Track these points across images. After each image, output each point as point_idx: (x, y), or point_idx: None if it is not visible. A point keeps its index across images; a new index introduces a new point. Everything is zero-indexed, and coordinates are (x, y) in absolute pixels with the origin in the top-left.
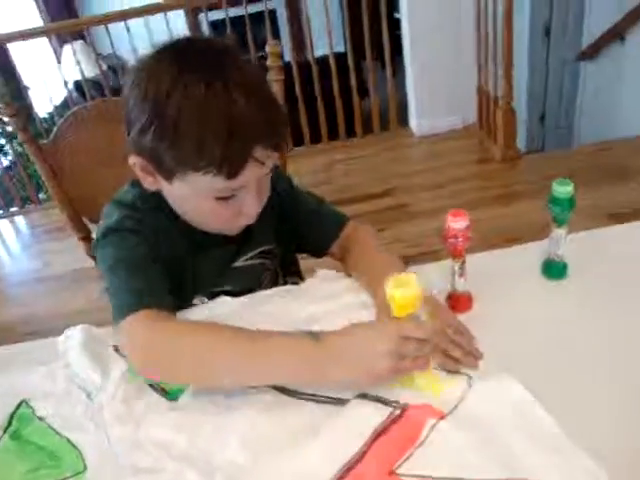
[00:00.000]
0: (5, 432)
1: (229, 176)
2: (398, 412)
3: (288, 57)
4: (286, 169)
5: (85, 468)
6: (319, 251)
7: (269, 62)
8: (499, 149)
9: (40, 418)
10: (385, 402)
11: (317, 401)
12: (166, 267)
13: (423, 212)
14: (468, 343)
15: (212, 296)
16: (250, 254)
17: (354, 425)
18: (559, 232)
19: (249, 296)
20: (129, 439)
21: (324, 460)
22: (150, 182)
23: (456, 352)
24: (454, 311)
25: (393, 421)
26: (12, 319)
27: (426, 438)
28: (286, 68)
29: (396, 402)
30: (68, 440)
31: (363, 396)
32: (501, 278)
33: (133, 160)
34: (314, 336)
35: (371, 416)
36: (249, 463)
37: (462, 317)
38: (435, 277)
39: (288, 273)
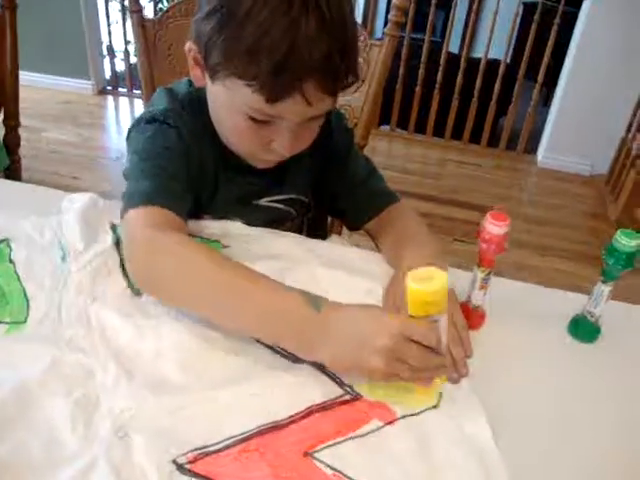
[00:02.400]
0: None
1: (269, 99)
2: (347, 398)
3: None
4: (367, 141)
5: (25, 321)
6: (353, 224)
7: (390, 14)
8: (617, 211)
9: (11, 261)
10: (339, 383)
11: (275, 351)
12: (191, 177)
13: (512, 241)
14: (461, 354)
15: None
16: (278, 197)
17: (296, 391)
18: (602, 288)
19: (264, 229)
20: (78, 310)
21: (247, 411)
22: (197, 75)
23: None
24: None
25: (337, 404)
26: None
27: (363, 436)
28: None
29: (350, 387)
30: (24, 290)
31: (321, 367)
32: (522, 312)
33: (189, 46)
34: (316, 304)
35: (317, 389)
36: (180, 380)
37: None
38: (452, 281)
39: (312, 231)
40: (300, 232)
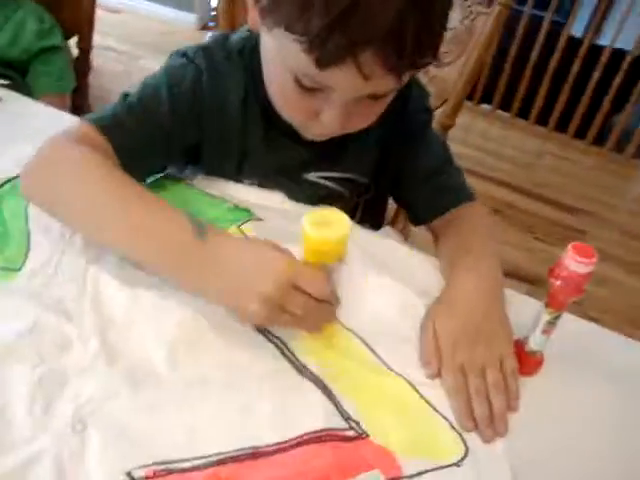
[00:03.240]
0: None
1: (318, 63)
2: (350, 434)
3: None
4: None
5: (19, 269)
6: (416, 219)
7: None
8: None
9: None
10: (346, 417)
11: (281, 352)
12: (219, 137)
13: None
14: (502, 407)
15: None
16: (329, 173)
17: (291, 413)
18: None
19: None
20: (76, 269)
21: (228, 428)
22: (253, 18)
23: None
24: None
25: (337, 438)
26: None
27: None
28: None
29: (357, 423)
30: (29, 233)
31: (327, 391)
32: (589, 360)
33: None
34: (201, 232)
35: (317, 415)
36: (163, 374)
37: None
38: (513, 312)
39: (367, 217)
40: (352, 216)
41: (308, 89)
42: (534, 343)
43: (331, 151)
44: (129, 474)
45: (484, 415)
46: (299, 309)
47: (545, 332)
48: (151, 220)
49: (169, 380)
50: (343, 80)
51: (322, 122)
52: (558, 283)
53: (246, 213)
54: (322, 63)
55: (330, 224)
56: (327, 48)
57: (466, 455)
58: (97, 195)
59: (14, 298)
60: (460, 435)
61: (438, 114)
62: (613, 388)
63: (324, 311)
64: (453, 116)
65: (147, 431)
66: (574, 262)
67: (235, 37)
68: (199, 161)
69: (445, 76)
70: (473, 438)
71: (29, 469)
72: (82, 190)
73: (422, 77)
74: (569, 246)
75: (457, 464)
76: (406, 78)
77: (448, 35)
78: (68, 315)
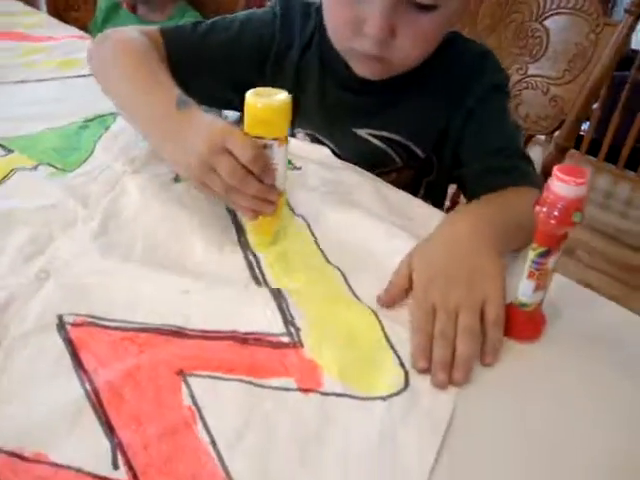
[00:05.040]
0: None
1: None
2: (285, 340)
3: None
4: None
5: (71, 172)
6: (471, 196)
7: None
8: None
9: (107, 128)
10: (288, 321)
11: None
12: (277, 82)
13: None
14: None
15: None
16: (380, 132)
17: (230, 307)
18: None
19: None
20: (112, 174)
21: (167, 306)
22: None
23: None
24: (508, 334)
25: (267, 342)
26: None
27: (256, 386)
28: None
29: (296, 330)
30: (93, 150)
31: (279, 297)
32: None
33: None
34: (181, 104)
35: (257, 317)
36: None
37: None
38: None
39: (429, 199)
40: (414, 194)
41: None
42: (522, 293)
43: (383, 108)
44: (60, 317)
45: (441, 358)
46: (226, 173)
47: (531, 276)
48: (149, 95)
49: (135, 259)
50: None
51: (366, 33)
52: (543, 210)
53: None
54: None
55: (272, 97)
56: None
57: (398, 393)
58: (126, 70)
59: (52, 186)
60: (406, 374)
61: (555, 136)
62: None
63: (251, 184)
64: (571, 136)
65: (95, 289)
66: (559, 183)
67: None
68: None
69: (565, 95)
70: (420, 381)
71: None
72: (117, 66)
73: (541, 96)
74: (555, 168)
75: (383, 398)
76: None
77: (573, 50)
78: (85, 203)
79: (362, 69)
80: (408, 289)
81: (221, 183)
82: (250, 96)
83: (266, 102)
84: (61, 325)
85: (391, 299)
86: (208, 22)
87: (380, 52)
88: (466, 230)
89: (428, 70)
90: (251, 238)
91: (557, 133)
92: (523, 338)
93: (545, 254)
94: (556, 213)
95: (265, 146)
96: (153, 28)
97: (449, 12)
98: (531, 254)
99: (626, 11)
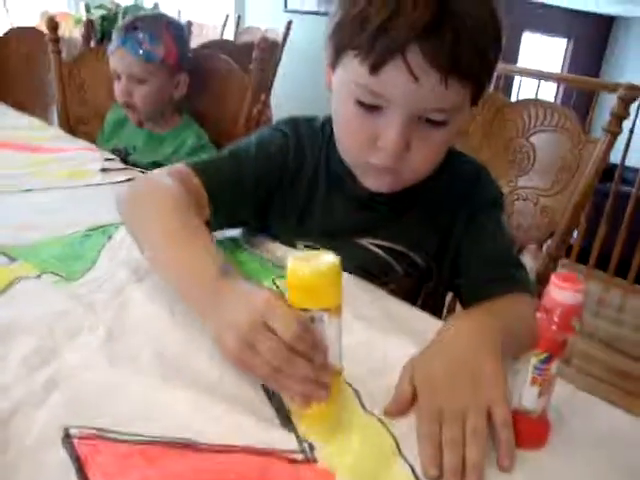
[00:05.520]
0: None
1: (372, 67)
2: (298, 457)
3: None
4: None
5: (76, 281)
6: (466, 304)
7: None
8: None
9: (109, 237)
10: (300, 438)
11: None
12: (289, 197)
13: None
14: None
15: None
16: (382, 242)
17: (246, 423)
18: None
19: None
20: (118, 283)
21: (178, 419)
22: (329, 81)
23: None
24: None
25: (281, 458)
26: None
27: None
28: None
29: (310, 446)
30: (97, 259)
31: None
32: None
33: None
34: (225, 272)
35: (271, 434)
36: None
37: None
38: None
39: (427, 308)
40: (414, 303)
41: (368, 108)
42: (526, 399)
43: (387, 221)
44: (66, 430)
45: (452, 465)
46: (268, 352)
47: (534, 382)
48: (190, 259)
49: (143, 369)
50: (396, 82)
51: (381, 147)
52: (544, 317)
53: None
54: (375, 66)
55: (319, 260)
56: (377, 50)
57: None
58: (157, 224)
59: (56, 294)
60: None
61: (547, 245)
62: None
63: (298, 365)
64: (562, 245)
65: (103, 401)
66: (557, 290)
67: (321, 117)
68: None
69: (555, 205)
70: None
71: None
72: (148, 217)
73: (532, 207)
74: (552, 276)
75: None
76: (459, 98)
77: (559, 164)
78: (91, 311)
79: (374, 183)
80: (414, 398)
81: (263, 364)
82: (294, 261)
83: (313, 267)
84: (67, 439)
85: (398, 410)
86: (225, 152)
87: (395, 164)
88: (466, 332)
89: (431, 184)
90: (303, 427)
91: (549, 242)
92: (529, 446)
93: (547, 360)
94: (556, 319)
95: (313, 319)
96: (180, 166)
97: (456, 127)
98: (533, 360)
99: (604, 130)
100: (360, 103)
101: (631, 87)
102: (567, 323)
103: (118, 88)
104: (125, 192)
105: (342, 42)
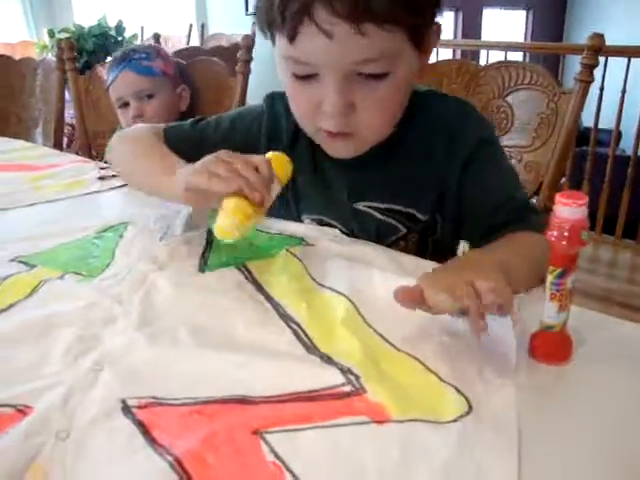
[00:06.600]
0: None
1: (289, 37)
2: (347, 389)
3: None
4: None
5: (96, 277)
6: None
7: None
8: None
9: (121, 236)
10: (346, 370)
11: (297, 336)
12: None
13: None
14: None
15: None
16: (378, 204)
17: (289, 375)
18: None
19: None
20: (139, 274)
21: (225, 379)
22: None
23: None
24: (536, 356)
25: (329, 395)
26: None
27: (333, 427)
28: None
29: (356, 378)
30: (114, 254)
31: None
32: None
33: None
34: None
35: (315, 378)
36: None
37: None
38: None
39: (438, 256)
40: (422, 256)
41: (304, 78)
42: (547, 315)
43: (375, 180)
44: (124, 401)
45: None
46: (230, 158)
47: (553, 298)
48: (160, 162)
49: (183, 343)
50: (314, 47)
51: (325, 111)
52: (554, 234)
53: (297, 239)
54: (291, 35)
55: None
56: (288, 18)
57: (468, 413)
58: (145, 157)
59: (83, 290)
60: (467, 398)
61: (538, 198)
62: None
63: (251, 171)
64: (551, 197)
65: (152, 375)
66: (564, 207)
67: None
68: None
69: (539, 160)
70: (481, 402)
71: (44, 393)
72: (133, 152)
73: (516, 164)
74: (557, 195)
75: (454, 420)
76: (388, 44)
77: (537, 120)
78: (119, 301)
79: (332, 149)
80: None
81: (222, 171)
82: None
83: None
84: (126, 408)
85: (404, 292)
86: (205, 120)
87: (343, 127)
88: (472, 258)
89: (407, 135)
90: (218, 221)
91: (540, 195)
92: (555, 361)
93: (562, 274)
94: (566, 234)
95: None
96: (159, 126)
97: (402, 75)
98: (549, 277)
99: (576, 79)
100: (296, 76)
101: (597, 35)
102: (577, 236)
103: (127, 115)
104: (113, 140)
105: (262, 21)
